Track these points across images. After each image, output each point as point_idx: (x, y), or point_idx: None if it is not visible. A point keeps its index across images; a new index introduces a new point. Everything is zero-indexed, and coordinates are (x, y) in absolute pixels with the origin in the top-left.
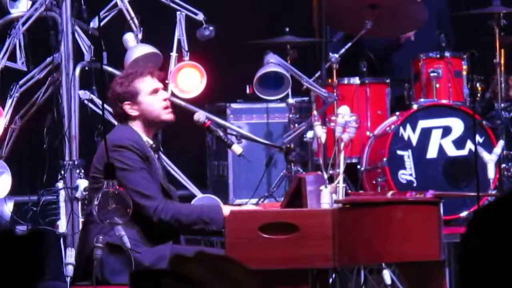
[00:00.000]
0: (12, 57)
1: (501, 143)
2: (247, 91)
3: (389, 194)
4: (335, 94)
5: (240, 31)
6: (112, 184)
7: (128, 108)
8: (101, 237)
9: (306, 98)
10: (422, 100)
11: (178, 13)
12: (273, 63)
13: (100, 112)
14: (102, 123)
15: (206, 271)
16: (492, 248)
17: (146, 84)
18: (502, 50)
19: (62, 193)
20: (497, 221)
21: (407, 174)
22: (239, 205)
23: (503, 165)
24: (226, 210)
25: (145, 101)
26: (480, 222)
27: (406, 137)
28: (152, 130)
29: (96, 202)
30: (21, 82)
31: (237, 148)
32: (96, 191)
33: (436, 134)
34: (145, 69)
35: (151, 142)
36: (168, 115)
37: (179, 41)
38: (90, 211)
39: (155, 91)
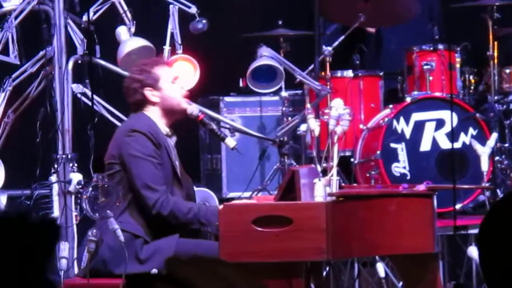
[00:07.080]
0: (5, 51)
1: (494, 135)
2: (240, 84)
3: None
4: (328, 87)
5: (233, 24)
6: (102, 177)
7: (149, 94)
8: (95, 231)
9: (299, 91)
10: (415, 92)
11: (171, 6)
12: (266, 56)
13: (94, 106)
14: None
15: (200, 274)
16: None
17: (166, 72)
18: (495, 43)
19: (55, 187)
20: None
21: (400, 167)
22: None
23: (497, 158)
24: None
25: (166, 88)
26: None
27: (399, 130)
28: (169, 118)
29: (85, 196)
30: (13, 75)
31: (230, 142)
32: (112, 177)
33: (429, 127)
34: (161, 59)
35: (167, 129)
36: (186, 104)
37: (172, 34)
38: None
39: (175, 79)
